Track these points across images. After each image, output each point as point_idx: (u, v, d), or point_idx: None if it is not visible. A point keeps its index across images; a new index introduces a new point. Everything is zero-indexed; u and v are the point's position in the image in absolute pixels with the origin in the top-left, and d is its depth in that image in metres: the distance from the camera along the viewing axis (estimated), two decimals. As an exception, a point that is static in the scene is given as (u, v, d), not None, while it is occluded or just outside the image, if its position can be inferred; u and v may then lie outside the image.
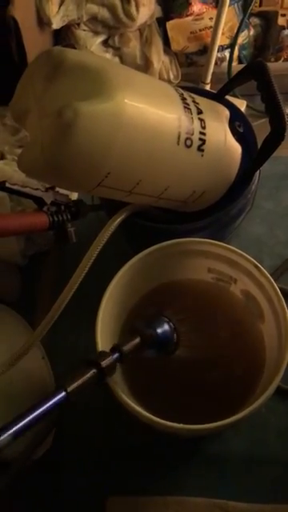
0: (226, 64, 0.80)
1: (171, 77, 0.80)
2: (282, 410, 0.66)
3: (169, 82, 0.80)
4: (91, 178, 0.45)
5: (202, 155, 0.50)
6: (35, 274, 0.75)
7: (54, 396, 0.37)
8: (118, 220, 0.52)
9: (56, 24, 0.72)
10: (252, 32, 0.84)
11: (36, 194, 0.46)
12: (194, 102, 0.50)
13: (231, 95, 0.83)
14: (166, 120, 0.46)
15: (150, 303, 0.60)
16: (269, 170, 0.85)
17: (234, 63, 0.85)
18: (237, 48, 0.82)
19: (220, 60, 0.81)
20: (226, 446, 0.64)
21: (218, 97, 0.58)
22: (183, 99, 0.49)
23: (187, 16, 0.78)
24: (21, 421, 0.34)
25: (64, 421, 0.63)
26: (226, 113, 0.55)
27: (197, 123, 0.49)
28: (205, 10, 0.78)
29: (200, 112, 0.50)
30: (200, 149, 0.50)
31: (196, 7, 0.78)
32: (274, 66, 0.86)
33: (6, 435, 0.33)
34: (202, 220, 0.54)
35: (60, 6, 0.72)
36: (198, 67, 0.82)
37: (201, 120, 0.50)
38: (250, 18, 0.84)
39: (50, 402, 0.37)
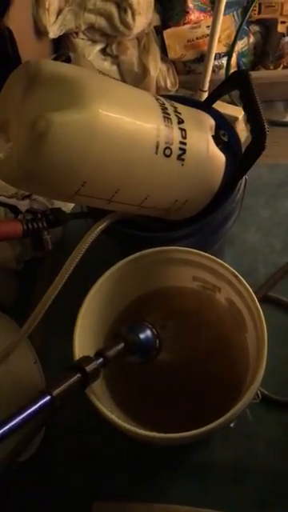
0: (223, 71, 0.81)
1: (168, 84, 0.80)
2: (270, 420, 0.65)
3: (166, 89, 0.81)
4: (67, 187, 0.45)
5: (183, 164, 0.50)
6: (31, 279, 0.77)
7: (39, 400, 0.37)
8: (100, 228, 0.52)
9: (53, 33, 0.73)
10: (252, 39, 0.84)
11: (10, 202, 0.47)
12: (175, 111, 0.51)
13: (229, 102, 0.84)
14: (143, 130, 0.47)
15: (136, 310, 0.61)
16: (267, 178, 0.85)
17: (233, 70, 0.85)
18: (235, 55, 0.82)
19: (217, 67, 0.81)
20: (213, 456, 0.64)
21: (205, 106, 0.58)
22: (163, 109, 0.49)
23: (184, 24, 0.78)
24: (5, 425, 0.35)
25: (52, 425, 0.64)
26: (211, 122, 0.55)
27: (177, 133, 0.49)
28: (202, 18, 0.78)
29: (181, 121, 0.50)
30: (180, 158, 0.50)
31: (193, 15, 0.78)
32: (273, 74, 0.86)
33: None
34: (185, 228, 0.54)
35: (58, 15, 0.73)
36: (196, 75, 0.82)
37: (181, 129, 0.50)
38: (249, 26, 0.84)
39: (35, 407, 0.37)
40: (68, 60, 0.70)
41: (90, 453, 0.64)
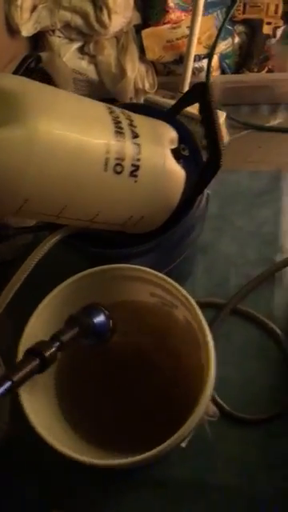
0: (204, 74, 0.78)
1: (147, 86, 0.78)
2: (230, 437, 0.64)
3: (144, 91, 0.78)
4: (8, 203, 0.44)
5: (136, 181, 0.49)
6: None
7: (1, 385, 0.38)
8: (51, 242, 0.51)
9: (26, 31, 0.71)
10: (237, 40, 0.81)
11: None
12: (130, 125, 0.49)
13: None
14: (90, 146, 0.45)
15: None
16: (246, 185, 0.83)
17: (216, 73, 0.82)
18: (218, 57, 0.80)
19: (198, 70, 0.78)
20: (171, 471, 0.63)
21: (169, 117, 0.55)
22: (117, 123, 0.47)
23: (164, 24, 0.75)
24: None
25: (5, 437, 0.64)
26: (171, 135, 0.52)
27: (130, 148, 0.47)
28: (183, 18, 0.75)
29: (136, 136, 0.48)
30: (133, 175, 0.48)
31: (174, 15, 0.75)
32: (258, 77, 0.83)
33: None
34: (141, 245, 0.53)
35: (32, 12, 0.71)
36: (176, 76, 0.79)
37: (136, 144, 0.48)
38: (234, 26, 0.81)
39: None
40: (38, 61, 0.68)
41: (46, 465, 0.64)
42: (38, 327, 0.51)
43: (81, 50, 0.78)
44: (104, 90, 0.81)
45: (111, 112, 0.49)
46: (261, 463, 0.62)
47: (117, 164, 0.47)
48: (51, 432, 0.47)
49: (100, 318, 0.49)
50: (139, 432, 0.56)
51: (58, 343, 0.43)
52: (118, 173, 0.47)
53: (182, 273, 0.75)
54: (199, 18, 0.68)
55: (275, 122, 0.86)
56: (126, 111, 0.51)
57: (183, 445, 0.51)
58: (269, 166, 0.82)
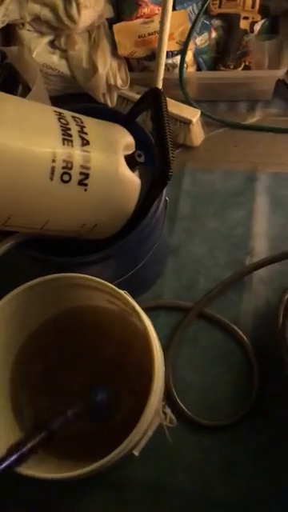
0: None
1: (119, 82, 0.76)
2: (192, 442, 0.65)
3: (116, 87, 0.76)
4: None
5: (86, 190, 0.47)
6: None
7: (7, 459, 0.39)
8: (1, 250, 0.50)
9: (-7, 25, 0.69)
10: (214, 35, 0.79)
11: None
12: (80, 131, 0.47)
13: (185, 103, 0.80)
14: (34, 155, 0.43)
15: (49, 331, 0.59)
16: (220, 186, 0.81)
17: (191, 69, 0.80)
18: (192, 53, 0.77)
19: (172, 66, 0.76)
20: (131, 473, 0.64)
21: (126, 121, 0.54)
22: (65, 130, 0.46)
23: (137, 18, 0.73)
24: None
25: None
26: (127, 140, 0.51)
27: (78, 156, 0.46)
28: (157, 12, 0.73)
29: (86, 143, 0.47)
30: (82, 183, 0.47)
31: (147, 9, 0.73)
32: (235, 74, 0.81)
33: None
34: (95, 254, 0.52)
35: (-1, 5, 0.69)
36: (150, 72, 0.77)
37: (85, 152, 0.47)
38: (211, 20, 0.78)
39: (4, 465, 0.39)
40: (3, 56, 0.66)
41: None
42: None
43: (52, 44, 0.75)
44: (76, 85, 0.79)
45: (60, 118, 0.47)
46: (218, 469, 0.62)
47: (64, 173, 0.45)
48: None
49: (103, 396, 0.53)
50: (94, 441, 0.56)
51: (63, 418, 0.45)
52: (66, 182, 0.46)
53: (151, 274, 0.74)
54: (169, 13, 0.66)
55: (253, 119, 0.84)
56: (80, 117, 0.49)
57: (136, 453, 0.51)
58: (245, 165, 0.81)
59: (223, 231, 0.76)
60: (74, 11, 0.69)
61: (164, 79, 0.75)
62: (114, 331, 0.60)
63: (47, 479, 0.45)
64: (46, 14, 0.71)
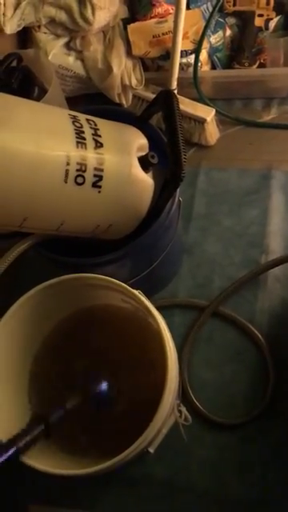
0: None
1: (133, 82, 0.76)
2: (207, 440, 0.65)
3: (131, 87, 0.77)
4: None
5: (100, 191, 0.48)
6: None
7: (7, 451, 0.39)
8: (16, 252, 0.51)
9: (10, 28, 0.70)
10: (228, 33, 0.78)
11: None
12: (94, 134, 0.48)
13: (199, 101, 0.80)
14: (48, 158, 0.44)
15: (64, 334, 0.60)
16: (235, 184, 0.81)
17: (206, 67, 0.80)
18: (207, 51, 0.77)
19: (186, 65, 0.76)
20: (147, 470, 0.65)
21: (140, 122, 0.54)
22: (78, 133, 0.47)
23: (151, 18, 0.73)
24: None
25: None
26: (140, 142, 0.51)
27: (92, 159, 0.47)
28: (171, 12, 0.73)
29: (99, 146, 0.48)
30: (96, 185, 0.47)
31: (161, 8, 0.73)
32: (251, 72, 0.81)
33: None
34: (109, 254, 0.53)
35: (15, 9, 0.70)
36: (165, 71, 0.77)
37: (98, 154, 0.47)
38: (225, 18, 0.78)
39: (3, 457, 0.38)
40: (20, 59, 0.67)
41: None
42: (3, 338, 0.51)
43: (67, 45, 0.76)
44: (92, 86, 0.80)
45: (74, 121, 0.48)
46: (233, 467, 0.63)
47: (78, 175, 0.46)
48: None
49: (104, 387, 0.53)
50: (111, 437, 0.57)
51: (62, 411, 0.45)
52: (80, 184, 0.47)
53: (166, 273, 0.75)
54: (183, 12, 0.66)
55: (268, 117, 0.84)
56: (93, 119, 0.50)
57: (151, 450, 0.52)
58: (260, 163, 0.80)
59: (238, 230, 0.76)
60: (89, 13, 0.69)
61: (178, 78, 0.75)
62: (127, 329, 0.60)
63: (63, 475, 0.46)
64: (61, 16, 0.72)
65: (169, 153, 0.47)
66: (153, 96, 0.80)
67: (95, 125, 0.49)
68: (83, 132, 0.47)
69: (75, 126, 0.47)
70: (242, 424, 0.64)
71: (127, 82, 0.76)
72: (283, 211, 0.76)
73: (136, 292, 0.49)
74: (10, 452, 0.38)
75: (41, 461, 0.46)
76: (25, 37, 0.77)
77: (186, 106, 0.78)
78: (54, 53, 0.76)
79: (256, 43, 0.79)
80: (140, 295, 0.49)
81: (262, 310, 0.71)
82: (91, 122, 0.49)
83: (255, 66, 0.79)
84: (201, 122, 0.78)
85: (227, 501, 0.61)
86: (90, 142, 0.47)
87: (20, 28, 0.72)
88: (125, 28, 0.76)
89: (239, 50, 0.79)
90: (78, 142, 0.46)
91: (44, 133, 0.45)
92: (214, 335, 0.70)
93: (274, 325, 0.70)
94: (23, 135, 0.43)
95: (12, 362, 0.53)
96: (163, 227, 0.54)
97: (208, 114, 0.77)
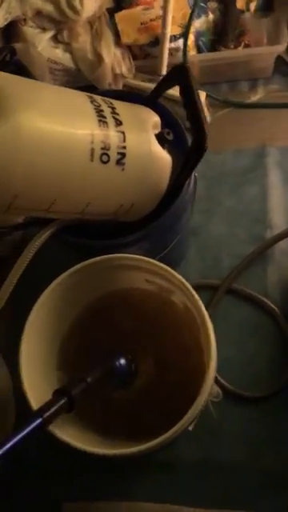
0: (181, 54, 0.77)
1: (124, 71, 0.77)
2: (236, 416, 0.65)
3: (121, 76, 0.77)
4: (-3, 201, 0.43)
5: (123, 169, 0.48)
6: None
7: (32, 422, 0.39)
8: (42, 238, 0.50)
9: (-3, 23, 0.69)
10: (211, 17, 0.80)
11: None
12: (112, 112, 0.48)
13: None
14: (75, 138, 0.44)
15: (90, 318, 0.60)
16: (231, 165, 0.82)
17: (193, 52, 0.81)
18: (193, 36, 0.78)
19: (175, 50, 0.77)
20: (178, 453, 0.64)
21: (149, 101, 0.55)
22: (99, 112, 0.47)
23: (137, 5, 0.74)
24: (4, 445, 0.36)
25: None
26: (154, 119, 0.52)
27: (114, 136, 0.47)
28: (156, -2, 0.74)
29: (119, 124, 0.48)
30: (120, 163, 0.47)
31: (146, -4, 0.74)
32: (235, 53, 0.82)
33: None
34: (133, 234, 0.53)
35: (2, 3, 0.69)
36: (153, 58, 0.78)
37: (120, 132, 0.47)
38: (207, 3, 0.79)
39: (29, 428, 0.39)
40: (13, 53, 0.66)
41: (53, 453, 0.64)
42: (37, 324, 0.51)
43: (55, 38, 0.76)
44: (82, 78, 0.79)
45: (92, 101, 0.48)
46: (266, 439, 0.63)
47: (103, 154, 0.46)
48: (63, 429, 0.47)
49: (122, 362, 0.52)
50: (139, 419, 0.56)
51: (83, 384, 0.45)
52: (105, 162, 0.46)
53: (174, 257, 0.75)
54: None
55: (255, 97, 0.86)
56: (107, 99, 0.50)
57: (190, 428, 0.52)
58: (253, 143, 0.82)
59: (240, 208, 0.78)
60: (77, 2, 0.69)
61: (167, 64, 0.76)
62: (150, 311, 0.60)
63: (99, 455, 0.46)
64: (47, 8, 0.71)
65: (191, 124, 0.47)
66: (143, 84, 0.82)
67: (111, 104, 0.50)
68: (102, 111, 0.47)
69: (94, 105, 0.47)
70: (269, 396, 0.65)
71: (118, 71, 0.76)
72: (281, 186, 0.78)
73: (168, 268, 0.50)
74: (36, 423, 0.39)
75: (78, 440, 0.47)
76: (9, 32, 0.76)
77: (177, 90, 0.78)
78: (43, 46, 0.75)
79: (238, 25, 0.80)
80: (174, 272, 0.49)
81: (273, 283, 0.72)
82: (107, 102, 0.49)
83: (241, 48, 0.80)
84: (193, 105, 0.78)
85: (264, 473, 0.61)
86: (110, 120, 0.47)
87: (7, 22, 0.71)
88: (111, 17, 0.76)
89: (223, 33, 0.80)
90: (99, 121, 0.46)
91: (69, 112, 0.45)
92: (230, 312, 0.71)
93: (287, 296, 0.71)
94: (51, 115, 0.43)
95: (45, 341, 0.53)
96: (184, 202, 0.54)
97: (200, 96, 0.78)
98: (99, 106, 0.48)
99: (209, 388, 0.49)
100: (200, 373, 0.56)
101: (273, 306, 0.69)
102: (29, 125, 0.41)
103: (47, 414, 0.40)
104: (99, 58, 0.76)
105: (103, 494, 0.64)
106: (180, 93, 0.49)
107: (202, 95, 0.79)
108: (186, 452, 0.64)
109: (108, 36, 0.75)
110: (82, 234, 0.54)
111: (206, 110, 0.82)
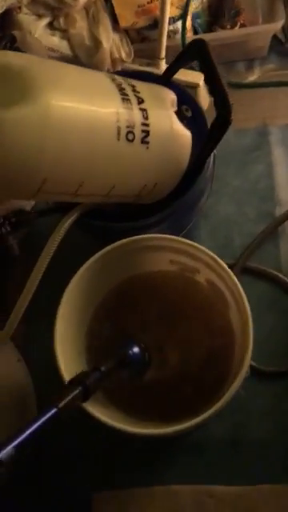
0: (179, 36, 0.76)
1: (123, 55, 0.76)
2: (260, 391, 0.65)
3: (121, 60, 0.76)
4: (27, 185, 0.42)
5: (148, 147, 0.48)
6: (4, 274, 0.74)
7: (48, 411, 0.40)
8: (68, 223, 0.50)
9: (-7, 11, 0.67)
10: (205, -2, 0.80)
11: None
12: (133, 91, 0.47)
13: (187, 68, 0.80)
14: (101, 116, 0.43)
15: (115, 301, 0.59)
16: (235, 145, 0.82)
17: (189, 34, 0.80)
18: (190, 18, 0.78)
19: (173, 32, 0.76)
20: (208, 433, 0.64)
21: (164, 79, 0.54)
22: (121, 90, 0.46)
23: (134, -12, 0.73)
24: (21, 434, 0.37)
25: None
26: (172, 97, 0.52)
27: (138, 114, 0.46)
28: (151, -20, 0.73)
29: (141, 101, 0.47)
30: (144, 141, 0.47)
31: (143, -23, 0.73)
32: (231, 34, 0.82)
33: (9, 448, 0.35)
34: (157, 214, 0.52)
35: (-4, -9, 0.68)
36: (151, 42, 0.77)
37: (142, 110, 0.47)
38: (202, -17, 0.79)
39: (45, 417, 0.39)
40: (13, 40, 0.65)
41: (80, 445, 0.64)
42: (67, 312, 0.50)
43: (51, 25, 0.75)
44: (80, 65, 0.78)
45: (113, 79, 0.47)
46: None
47: (128, 132, 0.46)
48: (98, 410, 0.47)
49: (136, 350, 0.52)
50: (169, 401, 0.57)
51: (97, 373, 0.45)
52: (131, 141, 0.46)
53: (190, 239, 0.75)
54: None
55: (252, 77, 0.86)
56: (127, 78, 0.49)
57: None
58: (254, 122, 0.82)
59: (248, 187, 0.78)
60: (73, -13, 0.68)
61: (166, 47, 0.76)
62: (173, 293, 0.60)
63: (142, 435, 0.47)
64: (43, -6, 0.70)
65: (214, 98, 0.47)
66: (141, 68, 0.81)
67: (131, 82, 0.49)
68: (124, 89, 0.47)
69: (116, 83, 0.47)
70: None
71: (117, 55, 0.75)
72: (286, 163, 0.79)
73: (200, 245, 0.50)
74: (52, 412, 0.40)
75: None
76: (4, 20, 0.75)
77: (176, 73, 0.78)
78: (39, 34, 0.73)
79: (234, 6, 0.80)
80: (205, 248, 0.49)
81: (287, 259, 0.72)
82: (127, 80, 0.49)
83: (237, 28, 0.80)
84: (193, 87, 0.78)
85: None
86: (132, 98, 0.47)
87: (2, 10, 0.69)
88: (107, 1, 0.75)
89: (219, 14, 0.80)
90: (122, 99, 0.46)
91: (94, 92, 0.44)
92: (246, 290, 0.71)
93: (302, 270, 0.71)
94: (77, 95, 0.42)
95: (75, 325, 0.53)
96: (205, 179, 0.54)
97: (199, 78, 0.78)
98: (120, 84, 0.47)
99: (248, 366, 0.49)
100: (229, 349, 0.56)
101: (288, 281, 0.70)
102: (57, 104, 0.40)
103: (62, 403, 0.41)
104: (97, 44, 0.75)
105: (134, 481, 0.63)
106: (200, 68, 0.48)
107: (201, 76, 0.78)
108: (215, 433, 0.64)
109: (105, 20, 0.74)
110: (103, 219, 0.54)
111: (205, 92, 0.82)
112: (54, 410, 0.40)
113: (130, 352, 0.52)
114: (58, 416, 0.40)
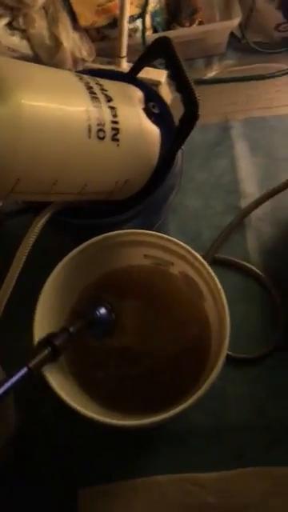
0: (140, 34, 0.77)
1: (84, 54, 0.76)
2: (236, 378, 0.68)
3: (82, 60, 0.77)
4: (0, 186, 0.42)
5: (118, 145, 0.48)
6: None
7: (19, 372, 0.42)
8: (41, 222, 0.49)
9: None
10: (163, -3, 0.81)
11: None
12: (101, 89, 0.48)
13: (150, 66, 0.81)
14: (72, 115, 0.44)
15: (91, 297, 0.59)
16: (198, 140, 0.84)
17: (149, 32, 0.81)
18: (149, 16, 0.79)
19: (133, 31, 0.77)
20: (187, 422, 0.66)
21: (130, 77, 0.55)
22: (89, 88, 0.47)
23: (93, -13, 0.73)
24: None
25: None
26: (139, 94, 0.52)
27: (107, 112, 0.47)
28: (110, -21, 0.74)
29: (109, 100, 0.48)
30: (114, 138, 0.48)
31: (101, -24, 0.73)
32: (189, 31, 0.84)
33: None
34: (129, 211, 0.53)
35: None
36: (112, 40, 0.78)
37: (111, 108, 0.47)
38: (158, -18, 0.80)
39: (17, 377, 0.42)
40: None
41: (64, 443, 0.65)
42: (45, 313, 0.50)
43: (10, 25, 0.74)
44: (41, 64, 0.78)
45: (81, 78, 0.48)
46: (269, 396, 0.66)
47: (99, 130, 0.46)
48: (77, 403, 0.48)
49: (103, 311, 0.54)
50: (149, 393, 0.57)
51: (66, 334, 0.47)
52: (101, 138, 0.46)
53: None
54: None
55: (212, 73, 0.88)
56: (94, 77, 0.50)
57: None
58: (216, 117, 0.84)
59: (213, 181, 0.80)
60: (31, -13, 0.68)
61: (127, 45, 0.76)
62: (148, 287, 0.61)
63: (117, 426, 0.47)
64: (1, -6, 0.69)
65: (181, 94, 0.48)
66: (103, 67, 0.81)
67: (98, 81, 0.49)
68: (92, 87, 0.47)
69: (83, 82, 0.47)
70: (266, 354, 0.67)
71: (78, 55, 0.76)
72: (249, 156, 0.81)
73: (173, 238, 0.51)
74: (23, 372, 0.42)
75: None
76: None
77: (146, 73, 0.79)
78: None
79: (191, 4, 0.82)
80: (178, 241, 0.50)
81: (254, 248, 0.75)
82: (94, 79, 0.49)
83: (195, 26, 0.82)
84: (155, 84, 0.79)
85: (273, 428, 0.64)
86: (101, 96, 0.47)
87: None
88: (65, 1, 0.75)
89: (177, 12, 0.81)
90: (91, 97, 0.46)
91: (64, 91, 0.44)
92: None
93: (268, 259, 0.74)
94: (48, 94, 0.43)
95: (53, 322, 0.53)
96: (174, 175, 0.55)
97: (161, 75, 0.79)
98: (88, 83, 0.47)
99: (224, 356, 0.50)
100: (205, 341, 0.57)
101: (257, 270, 0.72)
102: (28, 104, 0.40)
103: (32, 363, 0.43)
104: (57, 43, 0.75)
105: (118, 475, 0.64)
106: (166, 66, 0.49)
107: (163, 74, 0.80)
108: (194, 422, 0.65)
109: (65, 20, 0.74)
110: (78, 217, 0.54)
111: (167, 89, 0.83)
112: (24, 370, 0.42)
113: (97, 313, 0.53)
114: (30, 375, 0.43)
